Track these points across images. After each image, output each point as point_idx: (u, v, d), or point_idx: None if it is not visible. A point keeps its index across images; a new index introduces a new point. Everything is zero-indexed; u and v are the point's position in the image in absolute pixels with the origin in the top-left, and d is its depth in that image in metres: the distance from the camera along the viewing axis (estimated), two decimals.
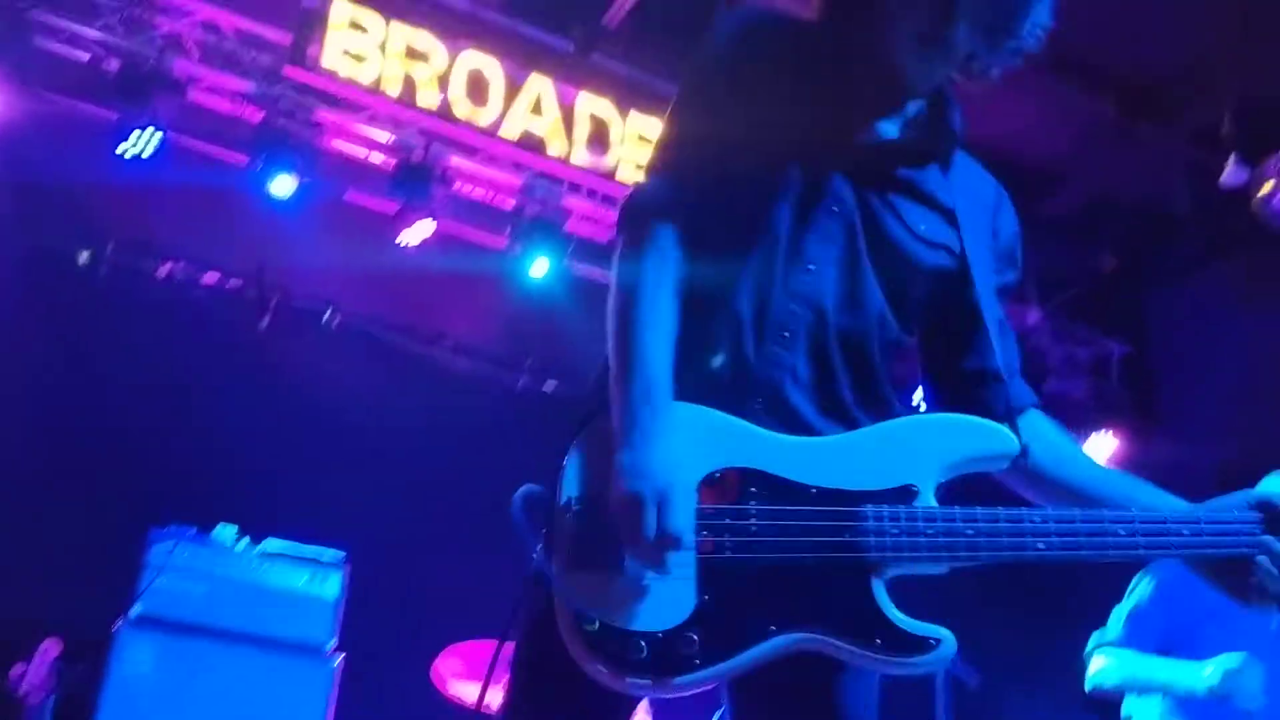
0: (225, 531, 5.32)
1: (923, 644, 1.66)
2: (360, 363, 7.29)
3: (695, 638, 1.63)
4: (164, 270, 7.34)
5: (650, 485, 1.63)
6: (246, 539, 5.36)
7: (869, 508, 1.70)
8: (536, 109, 6.84)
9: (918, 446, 1.76)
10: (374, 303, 7.57)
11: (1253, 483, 1.86)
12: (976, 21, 1.80)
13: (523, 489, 1.74)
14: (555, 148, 6.84)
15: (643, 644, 1.63)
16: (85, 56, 6.31)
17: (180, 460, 6.28)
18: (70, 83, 6.43)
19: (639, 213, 1.89)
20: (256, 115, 6.54)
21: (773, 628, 1.65)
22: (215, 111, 6.64)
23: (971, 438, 1.79)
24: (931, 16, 1.81)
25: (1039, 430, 1.92)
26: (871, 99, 1.93)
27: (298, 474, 6.25)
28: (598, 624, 1.63)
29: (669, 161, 1.95)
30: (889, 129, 1.95)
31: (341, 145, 6.84)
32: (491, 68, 6.78)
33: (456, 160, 6.91)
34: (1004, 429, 1.80)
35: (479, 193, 7.14)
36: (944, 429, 1.80)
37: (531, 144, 6.83)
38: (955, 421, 1.82)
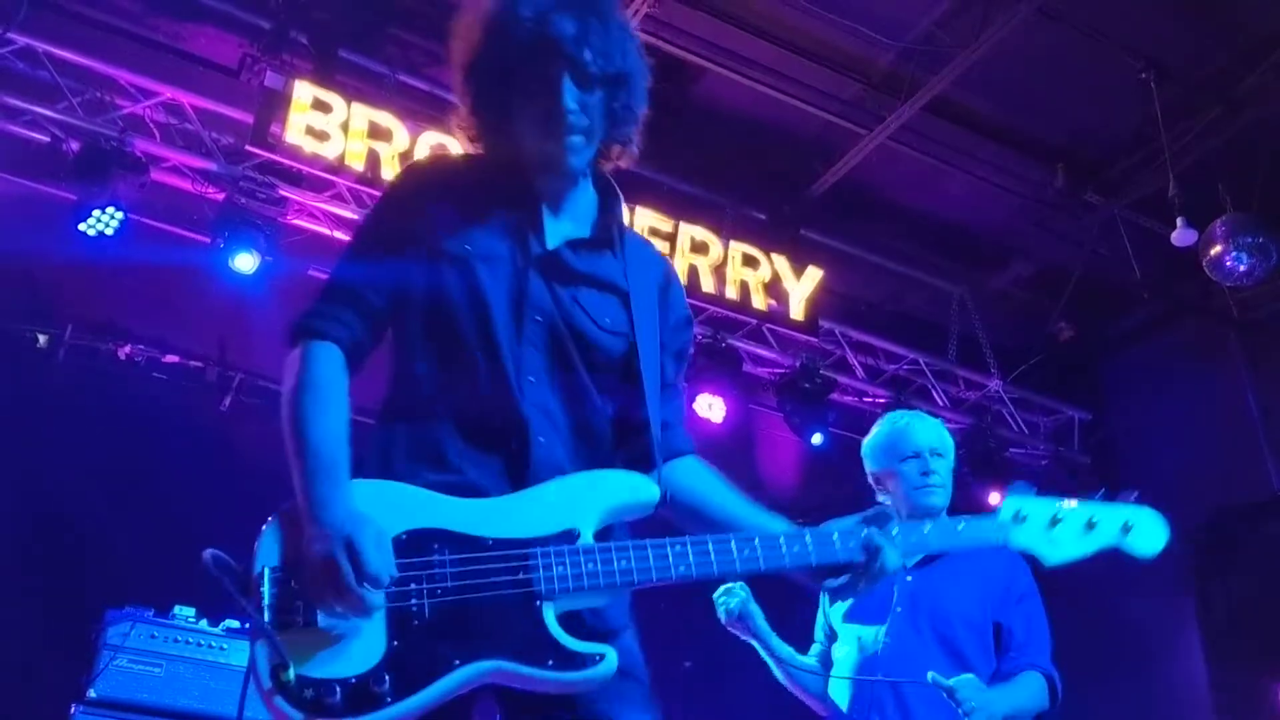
0: (183, 612, 5.24)
1: (588, 660, 1.86)
2: None
3: (387, 678, 1.79)
4: (124, 351, 7.30)
5: (339, 540, 1.82)
6: (205, 620, 5.27)
7: (538, 550, 1.92)
8: None
9: (577, 498, 2.00)
10: None
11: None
12: (575, 87, 2.07)
13: (209, 551, 1.88)
14: None
15: (337, 688, 1.78)
16: (45, 138, 6.33)
17: (139, 542, 6.18)
18: (30, 164, 6.42)
19: (301, 329, 2.10)
20: (218, 194, 6.56)
21: (456, 661, 1.82)
22: (177, 191, 6.65)
23: (619, 489, 2.04)
24: (541, 97, 2.08)
25: (691, 471, 2.22)
26: (536, 202, 2.18)
27: None
28: (294, 675, 1.77)
29: (334, 285, 2.16)
30: (566, 227, 2.20)
31: (304, 222, 6.87)
32: (454, 146, 6.85)
33: None
34: (647, 480, 2.06)
35: None
36: (598, 482, 2.04)
37: None
38: (607, 476, 2.06)
